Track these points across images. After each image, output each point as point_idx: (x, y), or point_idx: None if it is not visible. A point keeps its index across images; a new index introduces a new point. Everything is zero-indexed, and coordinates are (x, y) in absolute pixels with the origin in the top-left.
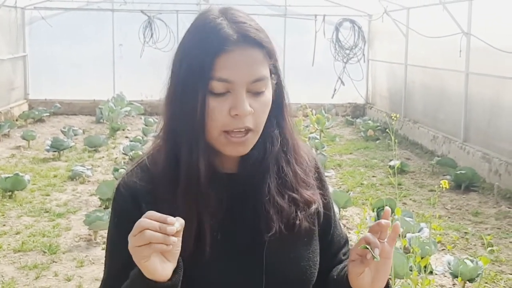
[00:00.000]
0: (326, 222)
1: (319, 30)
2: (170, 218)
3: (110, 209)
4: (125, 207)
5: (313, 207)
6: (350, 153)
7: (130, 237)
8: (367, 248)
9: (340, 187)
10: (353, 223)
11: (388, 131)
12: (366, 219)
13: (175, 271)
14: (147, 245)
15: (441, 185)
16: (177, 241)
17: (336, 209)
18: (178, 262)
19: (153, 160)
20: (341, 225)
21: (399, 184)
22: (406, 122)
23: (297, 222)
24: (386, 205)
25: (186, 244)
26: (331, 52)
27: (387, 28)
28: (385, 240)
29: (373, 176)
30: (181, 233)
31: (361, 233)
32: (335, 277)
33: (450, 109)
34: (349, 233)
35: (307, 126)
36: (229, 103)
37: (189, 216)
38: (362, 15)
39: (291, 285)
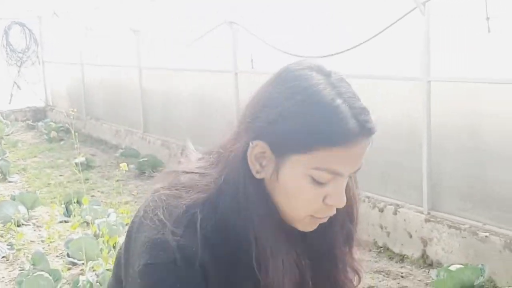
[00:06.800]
0: None
1: None
2: None
3: None
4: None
5: None
6: (35, 156)
7: None
8: None
9: (27, 190)
10: (43, 221)
11: (71, 129)
12: (56, 214)
13: None
14: None
15: (122, 169)
16: None
17: (24, 210)
18: None
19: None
20: None
21: (87, 179)
22: (88, 120)
23: None
24: (75, 198)
25: None
26: (3, 57)
27: (60, 29)
28: None
29: (60, 175)
30: None
31: (52, 229)
32: None
33: (129, 103)
34: (40, 230)
35: None
36: (327, 191)
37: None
38: (32, 17)
39: None
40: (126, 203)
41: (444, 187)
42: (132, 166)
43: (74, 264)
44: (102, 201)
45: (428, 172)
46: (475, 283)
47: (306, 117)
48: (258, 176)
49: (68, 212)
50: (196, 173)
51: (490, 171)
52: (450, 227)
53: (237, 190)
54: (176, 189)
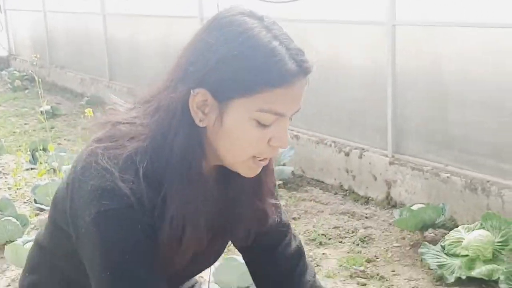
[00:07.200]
0: None
1: None
2: None
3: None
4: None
5: None
6: None
7: None
8: None
9: None
10: (9, 168)
11: (35, 78)
12: (22, 162)
13: None
14: None
15: (87, 115)
16: None
17: None
18: None
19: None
20: None
21: (52, 127)
22: (53, 68)
23: None
24: (41, 146)
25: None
26: None
27: None
28: None
29: (26, 124)
30: None
31: (18, 176)
32: None
33: (94, 51)
34: (6, 178)
35: None
36: (271, 132)
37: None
38: None
39: None
40: None
41: (408, 131)
42: (98, 114)
43: (41, 209)
44: (68, 149)
45: (392, 116)
46: (436, 222)
47: (245, 61)
48: (201, 124)
49: (34, 160)
50: (133, 123)
51: (452, 113)
52: (413, 169)
53: (176, 138)
54: (115, 140)
